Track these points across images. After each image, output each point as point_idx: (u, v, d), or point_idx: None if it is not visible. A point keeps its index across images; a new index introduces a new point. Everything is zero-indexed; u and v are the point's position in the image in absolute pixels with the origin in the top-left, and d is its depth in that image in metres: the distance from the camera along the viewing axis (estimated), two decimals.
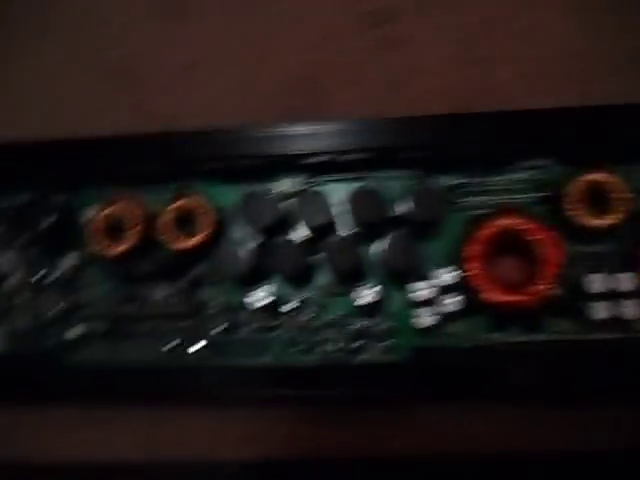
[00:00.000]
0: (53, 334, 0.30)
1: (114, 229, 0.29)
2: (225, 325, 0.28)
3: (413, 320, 0.27)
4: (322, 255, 0.27)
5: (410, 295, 0.27)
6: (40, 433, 0.31)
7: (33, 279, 0.30)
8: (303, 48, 0.33)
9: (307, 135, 0.28)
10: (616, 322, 0.26)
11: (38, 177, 0.30)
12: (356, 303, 0.27)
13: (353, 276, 0.27)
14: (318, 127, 0.28)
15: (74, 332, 0.29)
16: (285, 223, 0.28)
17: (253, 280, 0.28)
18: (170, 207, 0.29)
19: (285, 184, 0.29)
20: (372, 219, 0.27)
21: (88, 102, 0.33)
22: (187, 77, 0.33)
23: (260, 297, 0.27)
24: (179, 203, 0.29)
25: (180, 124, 0.32)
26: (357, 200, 0.27)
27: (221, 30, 0.33)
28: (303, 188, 0.29)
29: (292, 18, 0.33)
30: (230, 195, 0.29)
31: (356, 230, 0.27)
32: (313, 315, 0.28)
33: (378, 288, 0.27)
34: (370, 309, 0.27)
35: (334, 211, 0.27)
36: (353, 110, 0.31)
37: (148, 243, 0.29)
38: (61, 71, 0.34)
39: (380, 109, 0.31)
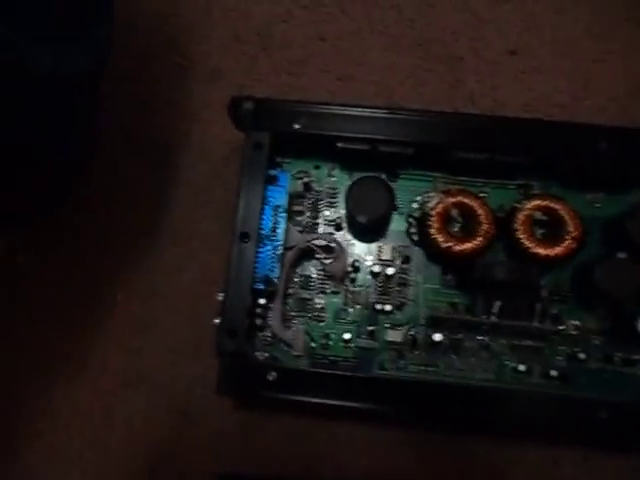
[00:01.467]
0: (365, 335, 0.25)
1: (450, 222, 0.25)
2: (575, 352, 0.24)
3: None
4: None
5: None
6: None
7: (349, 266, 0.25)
8: None
9: None
10: None
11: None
12: None
13: None
14: None
15: (393, 336, 0.25)
16: None
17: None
18: (529, 205, 0.25)
19: None
20: None
21: (406, 74, 0.29)
22: (509, 63, 0.29)
23: None
24: (541, 203, 0.25)
25: (502, 111, 0.29)
26: None
27: (551, 19, 0.30)
28: None
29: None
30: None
31: None
32: None
33: None
34: None
35: None
36: None
37: (495, 244, 0.25)
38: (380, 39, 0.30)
39: None
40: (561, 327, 0.24)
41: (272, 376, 0.23)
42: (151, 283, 0.28)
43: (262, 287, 0.24)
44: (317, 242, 0.25)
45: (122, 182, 0.29)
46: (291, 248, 0.25)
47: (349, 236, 0.26)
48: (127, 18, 0.30)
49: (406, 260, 0.26)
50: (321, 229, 0.26)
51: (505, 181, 0.26)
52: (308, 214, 0.27)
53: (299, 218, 0.26)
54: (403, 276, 0.26)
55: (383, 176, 0.27)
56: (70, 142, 0.23)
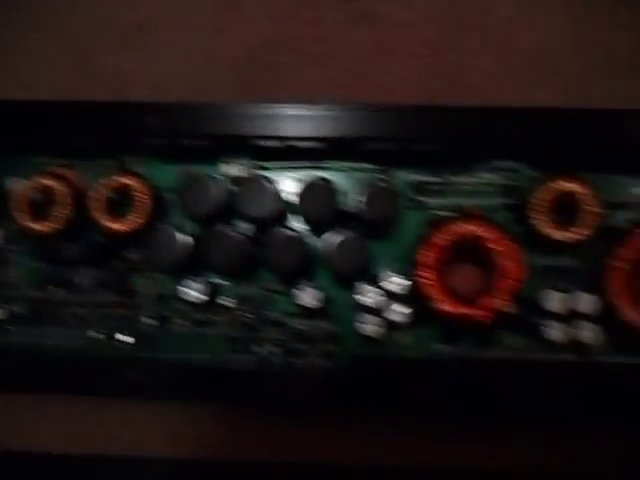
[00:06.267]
0: None
1: (42, 205, 0.27)
2: (157, 316, 0.26)
3: (358, 326, 0.25)
4: (266, 249, 0.25)
5: (357, 299, 0.25)
6: None
7: None
8: (268, 19, 0.30)
9: (261, 117, 0.25)
10: (572, 344, 0.24)
11: None
12: (298, 303, 0.25)
13: (297, 274, 0.25)
14: (274, 109, 0.25)
15: None
16: (228, 211, 0.25)
17: (189, 271, 0.25)
18: (102, 184, 0.26)
19: (233, 168, 0.26)
20: (322, 214, 0.24)
21: (31, 61, 0.30)
22: (136, 40, 0.30)
23: (194, 289, 0.25)
24: (113, 181, 0.26)
25: (128, 93, 0.29)
26: (308, 193, 0.24)
27: None
28: (251, 174, 0.26)
29: None
30: (170, 176, 0.27)
31: (304, 225, 0.25)
32: (252, 312, 0.26)
33: (322, 289, 0.25)
34: (312, 311, 0.25)
35: (283, 202, 0.25)
36: (315, 91, 0.29)
37: (78, 223, 0.27)
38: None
39: (344, 92, 0.28)
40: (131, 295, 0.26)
41: None
42: None
43: None
44: None
45: None
46: None
47: None
48: None
49: None
50: None
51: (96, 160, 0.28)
52: None
53: None
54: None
55: None
56: None
